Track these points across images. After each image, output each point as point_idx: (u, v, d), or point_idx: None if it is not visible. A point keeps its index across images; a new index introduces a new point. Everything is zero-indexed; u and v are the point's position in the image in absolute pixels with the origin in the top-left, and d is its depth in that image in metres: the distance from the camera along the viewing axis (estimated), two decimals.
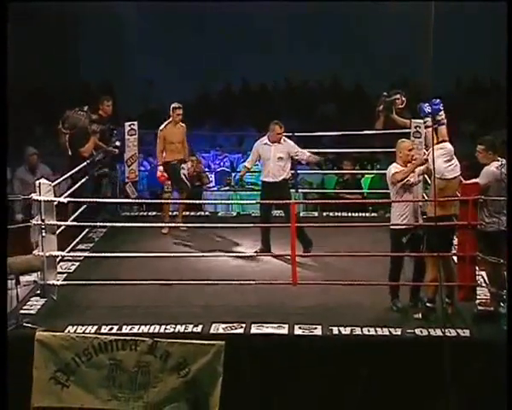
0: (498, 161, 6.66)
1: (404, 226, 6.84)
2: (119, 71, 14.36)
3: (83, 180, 8.73)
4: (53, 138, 11.03)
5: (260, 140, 8.65)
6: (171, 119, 9.37)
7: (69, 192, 8.13)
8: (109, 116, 9.52)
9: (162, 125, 9.38)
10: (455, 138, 7.11)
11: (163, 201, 9.75)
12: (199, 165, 11.18)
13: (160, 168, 9.37)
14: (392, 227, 6.94)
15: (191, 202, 10.37)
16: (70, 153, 8.99)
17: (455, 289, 6.76)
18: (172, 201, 9.64)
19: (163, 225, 9.05)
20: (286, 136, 8.65)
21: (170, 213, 9.61)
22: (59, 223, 7.08)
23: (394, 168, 6.85)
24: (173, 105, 9.38)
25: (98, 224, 8.90)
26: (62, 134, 9.06)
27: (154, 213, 9.90)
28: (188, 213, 10.13)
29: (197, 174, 11.00)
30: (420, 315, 6.67)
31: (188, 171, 9.70)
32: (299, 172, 8.99)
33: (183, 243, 8.83)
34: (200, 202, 10.54)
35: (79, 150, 8.93)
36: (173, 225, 9.25)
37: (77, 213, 8.26)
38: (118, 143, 9.59)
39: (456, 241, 6.95)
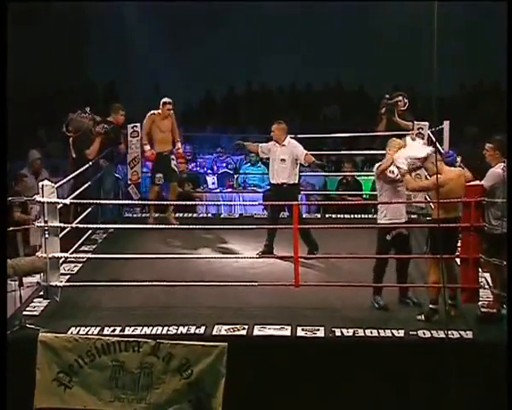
0: (505, 162, 6.65)
1: (387, 224, 6.98)
2: (124, 73, 14.38)
3: (88, 183, 8.73)
4: (57, 141, 11.08)
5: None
6: (160, 111, 9.53)
7: (73, 195, 8.13)
8: (120, 125, 9.54)
9: (152, 112, 9.53)
10: (459, 141, 7.13)
11: (165, 202, 9.77)
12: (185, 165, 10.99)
13: (147, 147, 9.45)
14: (378, 225, 7.12)
15: (192, 203, 10.44)
16: (74, 155, 8.99)
17: (458, 291, 6.77)
18: (174, 202, 9.67)
19: (166, 226, 9.05)
20: (290, 137, 8.63)
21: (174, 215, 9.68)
22: (62, 225, 7.09)
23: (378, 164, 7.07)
24: (164, 100, 9.56)
25: (100, 226, 8.93)
26: (66, 137, 9.08)
27: (156, 215, 9.90)
28: (182, 214, 10.18)
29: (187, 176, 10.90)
30: (423, 317, 6.67)
31: (177, 154, 9.75)
32: (301, 174, 8.99)
33: (185, 244, 8.83)
34: (202, 203, 10.55)
35: (85, 153, 8.94)
36: (177, 226, 9.29)
37: (81, 216, 8.28)
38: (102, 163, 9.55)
39: (459, 243, 6.96)
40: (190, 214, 10.37)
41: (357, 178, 10.98)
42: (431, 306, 6.66)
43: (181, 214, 10.16)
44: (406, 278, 7.13)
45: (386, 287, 7.08)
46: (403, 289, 7.12)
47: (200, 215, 10.50)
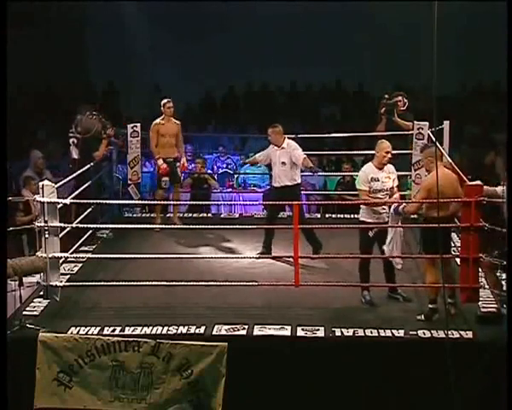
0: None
1: (368, 221, 7.08)
2: (124, 73, 14.38)
3: (88, 183, 8.74)
4: (57, 141, 11.06)
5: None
6: (163, 115, 9.52)
7: (74, 194, 8.13)
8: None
9: (156, 120, 9.53)
10: (459, 142, 7.14)
11: (166, 202, 9.78)
12: (203, 167, 11.18)
13: (160, 161, 9.44)
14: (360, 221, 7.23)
15: (194, 202, 10.43)
16: (78, 156, 9.00)
17: (456, 289, 6.76)
18: (174, 202, 9.68)
19: (166, 226, 9.05)
20: (289, 138, 8.61)
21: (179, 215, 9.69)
22: (62, 225, 7.08)
23: (363, 173, 7.19)
24: (163, 101, 9.55)
25: (101, 226, 8.92)
26: (68, 138, 9.08)
27: (162, 215, 9.89)
28: (191, 214, 10.20)
29: (204, 176, 11.00)
30: (423, 317, 6.67)
31: (181, 166, 9.74)
32: (301, 174, 8.97)
33: (185, 244, 8.83)
34: (202, 202, 10.55)
35: (93, 154, 8.96)
36: (177, 226, 9.29)
37: (82, 216, 8.28)
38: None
39: (459, 242, 6.96)
40: (190, 214, 10.38)
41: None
42: (430, 305, 6.66)
43: (181, 214, 10.17)
44: (394, 275, 7.16)
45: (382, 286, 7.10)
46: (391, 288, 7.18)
47: (201, 215, 10.50)
